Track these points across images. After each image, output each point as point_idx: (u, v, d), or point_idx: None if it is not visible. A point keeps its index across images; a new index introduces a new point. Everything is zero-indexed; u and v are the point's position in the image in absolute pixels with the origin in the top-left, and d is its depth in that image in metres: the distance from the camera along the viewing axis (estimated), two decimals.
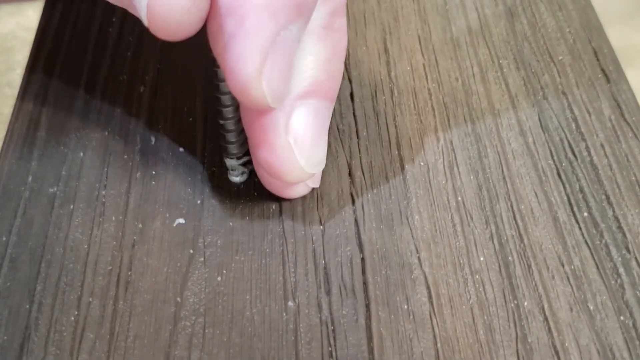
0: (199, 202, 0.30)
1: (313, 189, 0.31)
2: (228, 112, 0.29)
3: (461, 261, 0.28)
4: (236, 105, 0.29)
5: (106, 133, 0.33)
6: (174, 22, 0.24)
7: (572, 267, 0.28)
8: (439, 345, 0.26)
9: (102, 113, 0.34)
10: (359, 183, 0.31)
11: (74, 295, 0.27)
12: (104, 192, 0.31)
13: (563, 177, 0.31)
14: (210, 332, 0.27)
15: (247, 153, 0.31)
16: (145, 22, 0.24)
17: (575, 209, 0.30)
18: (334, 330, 0.27)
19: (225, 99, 0.29)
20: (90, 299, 0.27)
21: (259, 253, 0.29)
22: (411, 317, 0.27)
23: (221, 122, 0.30)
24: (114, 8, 0.38)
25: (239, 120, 0.30)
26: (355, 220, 0.30)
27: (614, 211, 0.30)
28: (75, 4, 0.39)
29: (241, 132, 0.30)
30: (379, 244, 0.29)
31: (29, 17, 0.39)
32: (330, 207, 0.30)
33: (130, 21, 0.38)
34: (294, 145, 0.27)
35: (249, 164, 0.31)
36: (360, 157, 0.32)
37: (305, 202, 0.30)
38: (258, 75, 0.24)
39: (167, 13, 0.23)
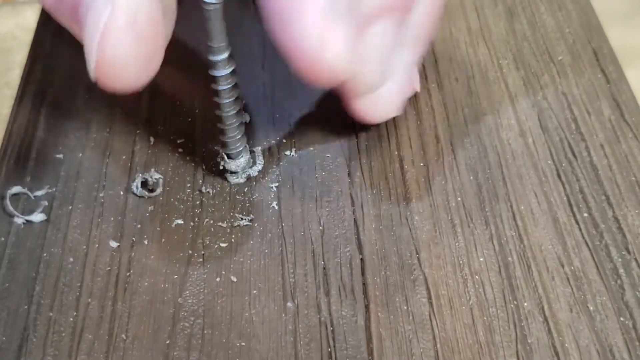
0: (197, 202, 0.30)
1: (312, 189, 0.30)
2: (227, 117, 0.29)
3: (461, 262, 0.28)
4: (235, 111, 0.29)
5: (105, 133, 0.33)
6: (120, 86, 0.25)
7: (572, 267, 0.28)
8: (438, 346, 0.26)
9: (100, 113, 0.34)
10: (358, 183, 0.31)
11: (73, 296, 0.27)
12: (102, 194, 0.31)
13: (563, 178, 0.31)
14: (209, 333, 0.27)
15: (245, 156, 0.31)
16: (92, 77, 0.25)
17: (575, 209, 0.30)
18: (333, 331, 0.27)
19: (225, 105, 0.29)
20: (89, 300, 0.27)
21: (258, 254, 0.29)
22: (411, 318, 0.27)
23: (220, 127, 0.30)
24: None
25: (238, 125, 0.30)
26: (355, 221, 0.30)
27: (614, 212, 0.30)
28: None
29: (240, 137, 0.30)
30: (379, 244, 0.29)
31: (28, 18, 0.39)
32: (329, 207, 0.30)
33: None
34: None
35: (247, 167, 0.31)
36: (359, 158, 0.32)
37: (304, 202, 0.30)
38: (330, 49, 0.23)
39: (113, 80, 0.24)
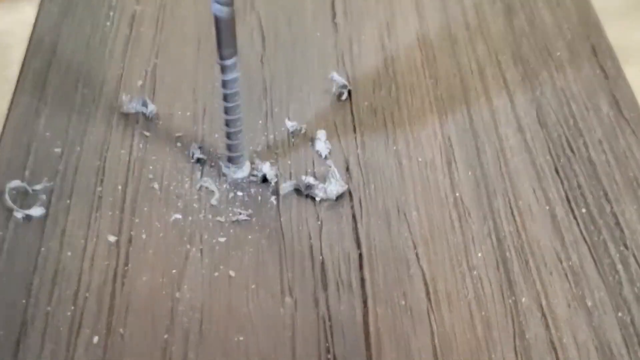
0: (196, 197, 0.30)
1: (311, 184, 0.31)
2: (230, 107, 0.29)
3: (459, 257, 0.28)
4: (238, 100, 0.29)
5: (103, 128, 0.33)
6: None
7: (570, 263, 0.28)
8: (436, 341, 0.26)
9: (99, 107, 0.34)
10: (357, 179, 0.31)
11: (71, 290, 0.27)
12: (100, 188, 0.31)
13: (561, 173, 0.31)
14: (208, 328, 0.27)
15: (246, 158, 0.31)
16: None
17: (573, 205, 0.30)
18: (331, 327, 0.27)
19: (228, 94, 0.29)
20: (87, 294, 0.27)
21: (256, 249, 0.29)
22: (409, 313, 0.27)
23: (226, 130, 0.30)
24: (110, 3, 0.38)
25: (238, 112, 0.30)
26: (353, 216, 0.30)
27: (612, 207, 0.30)
28: None
29: (243, 140, 0.30)
30: (377, 239, 0.29)
31: (27, 14, 0.39)
32: (327, 202, 0.30)
33: (127, 15, 0.37)
34: None
35: (244, 157, 0.31)
36: (357, 153, 0.32)
37: (302, 198, 0.30)
38: None
39: None
